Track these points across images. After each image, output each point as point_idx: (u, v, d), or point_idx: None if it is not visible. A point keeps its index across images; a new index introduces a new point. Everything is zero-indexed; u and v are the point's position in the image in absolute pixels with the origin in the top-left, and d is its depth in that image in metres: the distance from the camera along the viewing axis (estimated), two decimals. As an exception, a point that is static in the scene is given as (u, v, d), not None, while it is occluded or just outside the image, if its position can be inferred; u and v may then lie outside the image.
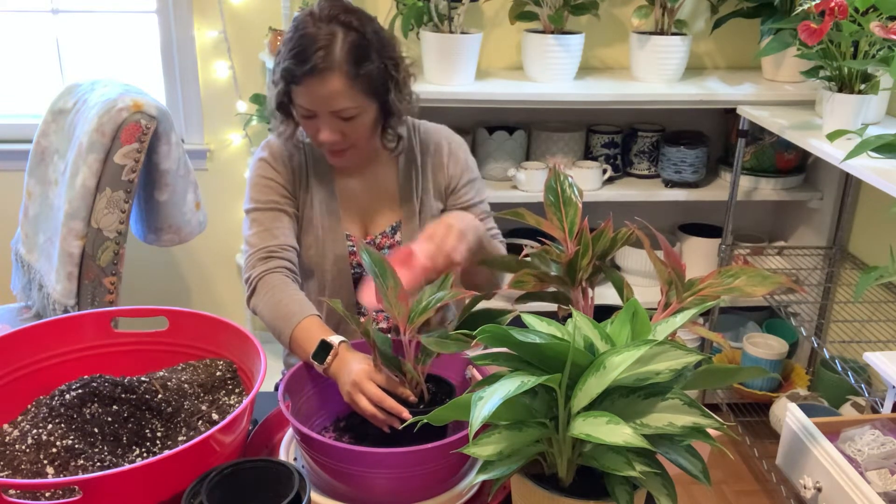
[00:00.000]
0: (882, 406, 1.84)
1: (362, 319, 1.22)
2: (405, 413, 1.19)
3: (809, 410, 1.84)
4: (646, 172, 2.70)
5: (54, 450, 1.11)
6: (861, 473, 1.48)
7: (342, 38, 1.42)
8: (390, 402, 1.20)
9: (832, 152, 1.94)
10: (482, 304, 1.30)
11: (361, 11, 1.47)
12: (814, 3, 1.92)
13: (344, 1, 1.47)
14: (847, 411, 2.28)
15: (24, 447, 1.13)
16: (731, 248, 2.63)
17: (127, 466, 1.06)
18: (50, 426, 1.14)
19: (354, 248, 1.61)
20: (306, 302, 1.44)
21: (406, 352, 1.22)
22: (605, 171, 2.60)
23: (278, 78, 1.47)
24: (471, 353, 1.15)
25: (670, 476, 0.95)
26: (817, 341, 2.28)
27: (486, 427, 0.94)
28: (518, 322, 1.05)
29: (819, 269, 2.64)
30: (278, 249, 1.52)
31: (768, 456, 2.39)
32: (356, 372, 1.23)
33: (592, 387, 0.90)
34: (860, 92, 2.00)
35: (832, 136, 1.95)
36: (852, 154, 1.80)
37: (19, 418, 1.23)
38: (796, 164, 2.68)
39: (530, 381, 0.89)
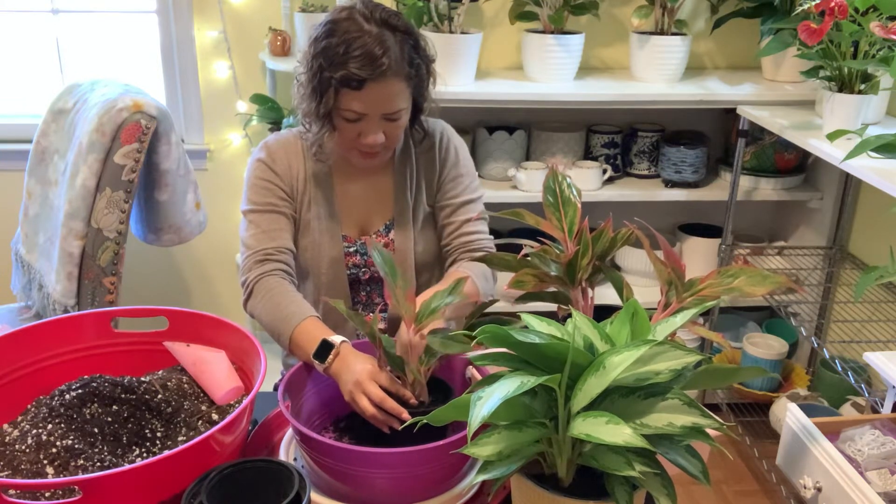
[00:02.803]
0: (882, 406, 1.83)
1: (367, 318, 1.23)
2: (405, 414, 1.20)
3: (809, 410, 1.84)
4: (646, 172, 2.70)
5: (54, 450, 1.11)
6: (861, 473, 1.48)
7: (395, 41, 1.40)
8: (391, 403, 1.20)
9: (832, 152, 1.94)
10: (489, 309, 1.31)
11: (398, 11, 1.46)
12: (814, 3, 1.92)
13: (381, 3, 1.46)
14: (847, 411, 2.28)
15: (24, 447, 1.13)
16: (731, 248, 2.63)
17: (127, 466, 1.06)
18: (50, 426, 1.14)
19: (350, 251, 1.61)
20: (304, 303, 1.44)
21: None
22: (604, 171, 2.60)
23: (327, 85, 1.41)
24: (471, 354, 1.15)
25: (670, 476, 0.95)
26: (817, 341, 2.28)
27: (486, 427, 0.94)
28: (518, 322, 1.05)
29: (819, 269, 2.64)
30: (275, 252, 1.51)
31: (768, 456, 2.39)
32: (359, 372, 1.24)
33: (592, 387, 0.90)
34: (860, 92, 2.00)
35: (832, 136, 1.94)
36: (852, 154, 1.80)
37: (19, 418, 1.23)
38: (796, 164, 2.68)
39: (530, 381, 0.89)
